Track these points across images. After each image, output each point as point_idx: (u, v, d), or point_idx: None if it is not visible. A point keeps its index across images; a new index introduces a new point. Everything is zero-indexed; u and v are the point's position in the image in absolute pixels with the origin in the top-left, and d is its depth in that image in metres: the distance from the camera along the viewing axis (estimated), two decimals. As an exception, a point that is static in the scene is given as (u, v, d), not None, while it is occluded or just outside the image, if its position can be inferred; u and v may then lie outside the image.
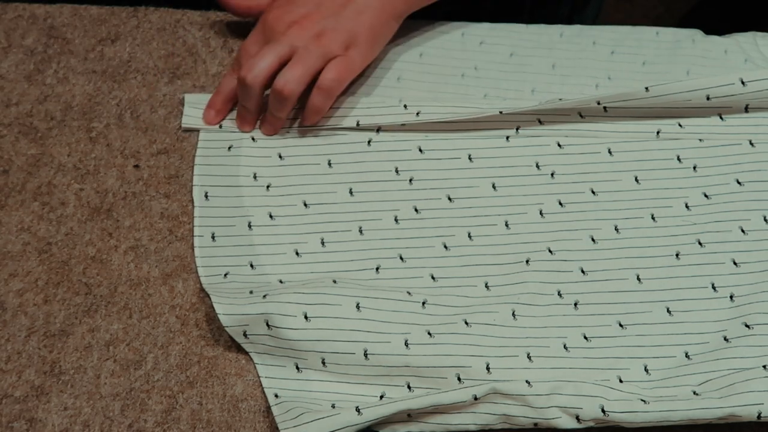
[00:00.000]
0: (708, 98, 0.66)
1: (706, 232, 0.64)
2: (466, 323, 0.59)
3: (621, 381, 0.58)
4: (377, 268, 0.62)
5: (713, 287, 0.62)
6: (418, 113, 0.66)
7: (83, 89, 0.69)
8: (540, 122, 0.68)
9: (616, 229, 0.64)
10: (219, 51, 0.72)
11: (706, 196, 0.65)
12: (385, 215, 0.64)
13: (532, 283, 0.61)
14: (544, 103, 0.67)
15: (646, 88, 0.65)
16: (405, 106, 0.67)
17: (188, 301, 0.61)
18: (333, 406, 0.56)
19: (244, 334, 0.58)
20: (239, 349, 0.59)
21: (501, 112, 0.66)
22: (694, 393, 0.57)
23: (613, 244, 0.63)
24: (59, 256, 0.62)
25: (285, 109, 0.65)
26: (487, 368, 0.57)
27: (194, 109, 0.68)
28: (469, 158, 0.67)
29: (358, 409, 0.55)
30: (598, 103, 0.66)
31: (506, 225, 0.64)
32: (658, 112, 0.68)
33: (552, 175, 0.66)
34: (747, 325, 0.60)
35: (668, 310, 0.61)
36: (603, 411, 0.55)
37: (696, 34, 0.74)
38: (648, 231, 0.64)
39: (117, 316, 0.60)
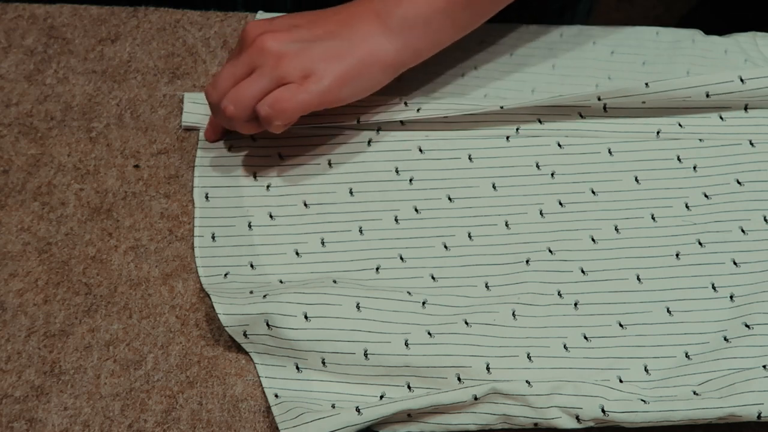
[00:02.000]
0: (707, 95, 0.66)
1: (706, 232, 0.64)
2: (466, 323, 0.59)
3: (621, 381, 0.58)
4: (377, 268, 0.62)
5: (713, 287, 0.62)
6: (418, 109, 0.66)
7: (83, 89, 0.69)
8: (540, 122, 0.68)
9: (616, 229, 0.64)
10: (219, 51, 0.72)
11: (706, 196, 0.65)
12: (385, 215, 0.64)
13: (532, 283, 0.61)
14: (545, 98, 0.67)
15: (646, 84, 0.65)
16: (405, 104, 0.67)
17: (188, 301, 0.61)
18: (333, 406, 0.56)
19: (244, 334, 0.58)
20: (239, 349, 0.59)
21: (502, 107, 0.66)
22: (694, 393, 0.57)
23: (613, 244, 0.63)
24: (59, 256, 0.62)
25: (236, 127, 0.62)
26: (487, 368, 0.57)
27: (194, 105, 0.68)
28: (469, 158, 0.67)
29: (358, 409, 0.55)
30: (599, 99, 0.66)
31: (506, 225, 0.64)
32: (657, 111, 0.68)
33: (552, 175, 0.66)
34: (747, 325, 0.60)
35: (668, 310, 0.61)
36: (603, 411, 0.55)
37: (696, 34, 0.74)
38: (648, 231, 0.64)
39: (117, 316, 0.60)
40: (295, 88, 0.59)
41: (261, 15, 0.73)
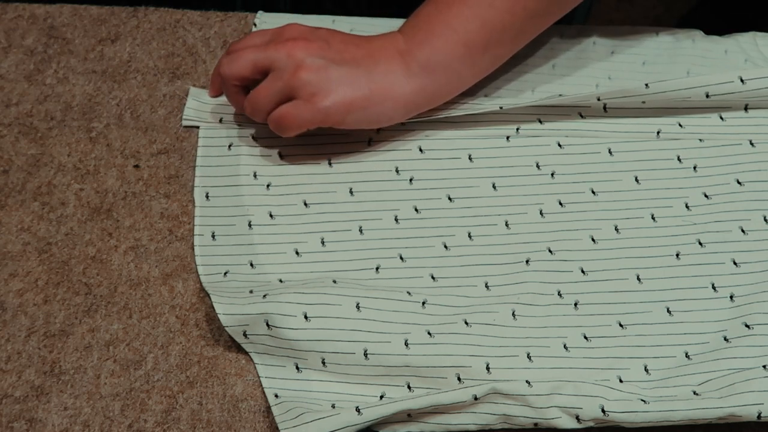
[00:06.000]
0: (707, 96, 0.66)
1: (707, 232, 0.64)
2: (466, 323, 0.59)
3: (621, 381, 0.58)
4: (377, 268, 0.62)
5: (713, 287, 0.62)
6: (418, 111, 0.67)
7: (83, 89, 0.69)
8: (540, 122, 0.68)
9: (616, 229, 0.64)
10: (219, 51, 0.72)
11: (706, 196, 0.65)
12: (385, 215, 0.64)
13: (532, 283, 0.61)
14: (544, 98, 0.67)
15: (646, 85, 0.66)
16: (405, 105, 0.67)
17: (188, 301, 0.61)
18: (333, 406, 0.56)
19: (244, 334, 0.58)
20: (239, 349, 0.59)
21: (501, 108, 0.66)
22: (694, 393, 0.57)
23: (613, 244, 0.63)
24: (59, 256, 0.62)
25: (256, 119, 0.65)
26: (487, 368, 0.57)
27: (197, 102, 0.68)
28: (470, 158, 0.67)
29: (358, 409, 0.55)
30: (598, 99, 0.66)
31: (506, 225, 0.64)
32: (658, 111, 0.68)
33: (552, 175, 0.66)
34: (747, 325, 0.60)
35: (668, 310, 0.61)
36: (603, 411, 0.55)
37: (696, 34, 0.74)
38: (648, 231, 0.64)
39: (117, 316, 0.60)
40: (302, 104, 0.62)
41: (261, 15, 0.73)
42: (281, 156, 0.66)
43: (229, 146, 0.67)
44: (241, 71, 0.63)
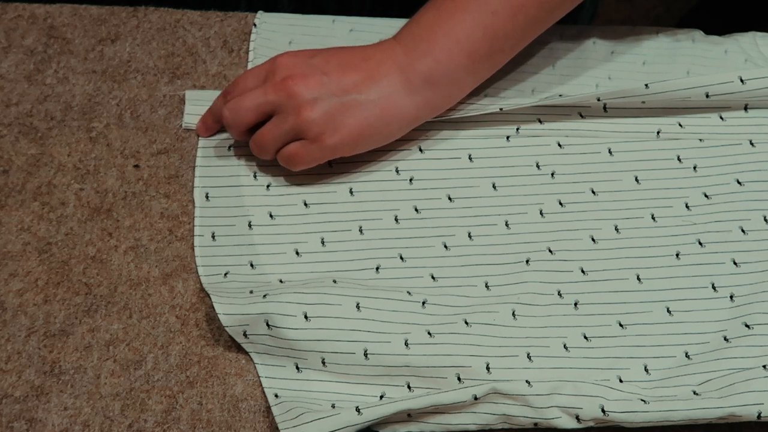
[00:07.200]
0: (707, 96, 0.66)
1: (706, 232, 0.64)
2: (466, 323, 0.59)
3: (621, 381, 0.58)
4: (377, 268, 0.62)
5: (713, 287, 0.62)
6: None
7: (83, 89, 0.69)
8: (540, 122, 0.68)
9: (616, 229, 0.64)
10: (219, 51, 0.72)
11: (706, 196, 0.65)
12: (385, 215, 0.64)
13: (532, 283, 0.61)
14: (543, 99, 0.67)
15: (646, 85, 0.66)
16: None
17: (188, 301, 0.61)
18: (333, 406, 0.56)
19: (244, 334, 0.58)
20: (239, 349, 0.59)
21: (501, 109, 0.66)
22: (694, 393, 0.57)
23: (614, 244, 0.63)
24: (59, 256, 0.62)
25: (263, 158, 0.65)
26: (487, 368, 0.57)
27: (195, 107, 0.68)
28: (470, 158, 0.67)
29: (358, 409, 0.55)
30: (598, 100, 0.66)
31: (506, 225, 0.64)
32: (658, 111, 0.68)
33: (552, 175, 0.66)
34: (747, 325, 0.60)
35: (668, 310, 0.61)
36: (603, 411, 0.55)
37: (696, 34, 0.74)
38: (648, 231, 0.64)
39: (117, 316, 0.60)
40: (310, 144, 0.62)
41: (261, 15, 0.73)
42: (281, 156, 0.66)
43: (229, 147, 0.67)
44: (245, 120, 0.63)
